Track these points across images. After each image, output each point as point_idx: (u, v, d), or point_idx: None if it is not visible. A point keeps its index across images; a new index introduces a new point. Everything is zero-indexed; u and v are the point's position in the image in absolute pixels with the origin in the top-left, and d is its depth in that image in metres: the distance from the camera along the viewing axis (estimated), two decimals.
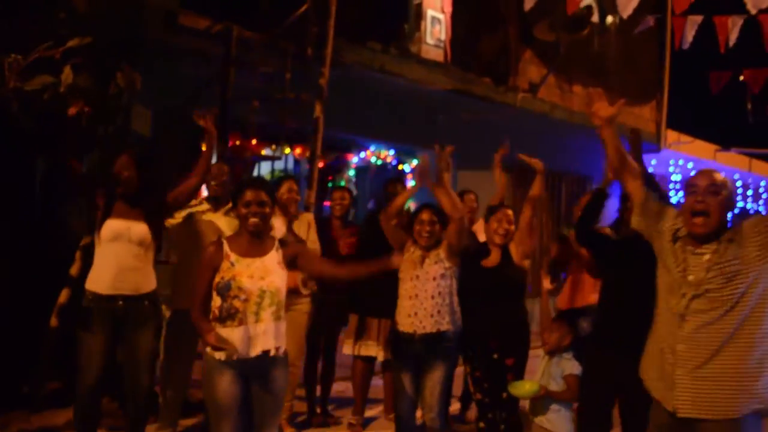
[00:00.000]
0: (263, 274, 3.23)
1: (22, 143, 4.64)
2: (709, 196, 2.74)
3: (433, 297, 4.04)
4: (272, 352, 3.23)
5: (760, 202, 16.92)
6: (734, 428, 2.69)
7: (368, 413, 5.23)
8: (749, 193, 16.16)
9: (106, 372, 3.85)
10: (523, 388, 3.92)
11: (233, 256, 3.24)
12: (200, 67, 5.64)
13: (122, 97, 4.66)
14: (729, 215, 2.78)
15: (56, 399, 4.86)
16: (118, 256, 3.77)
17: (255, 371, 3.26)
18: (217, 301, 3.20)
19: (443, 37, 8.11)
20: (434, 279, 4.06)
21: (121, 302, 3.77)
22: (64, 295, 4.79)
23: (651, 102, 11.35)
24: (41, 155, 4.96)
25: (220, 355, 3.18)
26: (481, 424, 4.15)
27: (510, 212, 4.34)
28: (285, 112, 5.78)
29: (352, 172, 9.00)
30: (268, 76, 5.71)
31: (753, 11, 5.40)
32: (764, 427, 2.83)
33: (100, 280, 3.80)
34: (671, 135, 11.76)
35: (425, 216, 4.11)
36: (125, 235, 3.78)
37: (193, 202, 4.52)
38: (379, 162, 8.79)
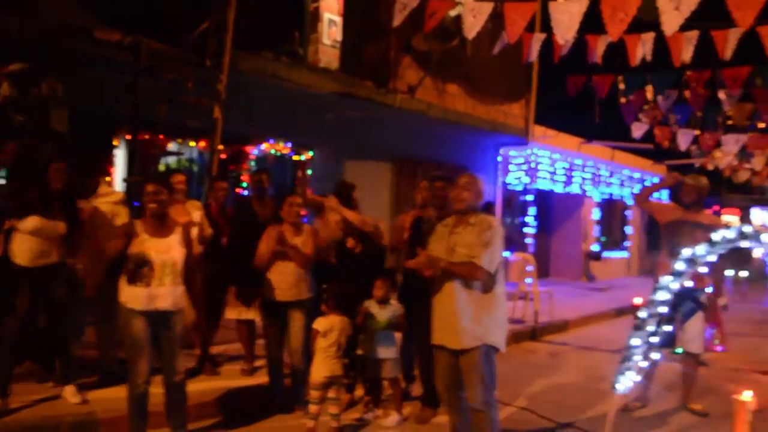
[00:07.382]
0: (167, 250, 4.26)
1: None
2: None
3: (293, 273, 5.25)
4: (172, 309, 4.30)
5: (625, 188, 18.74)
6: (474, 356, 4.05)
7: (256, 364, 6.27)
8: (615, 180, 18.00)
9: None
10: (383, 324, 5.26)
11: (144, 235, 4.25)
12: (115, 73, 6.44)
13: (45, 103, 5.49)
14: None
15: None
16: None
17: (159, 321, 4.30)
18: (129, 266, 4.18)
19: (339, 38, 8.88)
20: None
21: None
22: None
23: (520, 100, 12.59)
24: None
25: (132, 305, 4.19)
26: (346, 360, 5.34)
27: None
28: (187, 114, 6.72)
29: (252, 163, 9.88)
30: (173, 82, 6.60)
31: (561, 42, 6.75)
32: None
33: None
34: (538, 129, 13.10)
35: (292, 200, 5.32)
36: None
37: (107, 189, 5.53)
38: (278, 153, 9.71)
